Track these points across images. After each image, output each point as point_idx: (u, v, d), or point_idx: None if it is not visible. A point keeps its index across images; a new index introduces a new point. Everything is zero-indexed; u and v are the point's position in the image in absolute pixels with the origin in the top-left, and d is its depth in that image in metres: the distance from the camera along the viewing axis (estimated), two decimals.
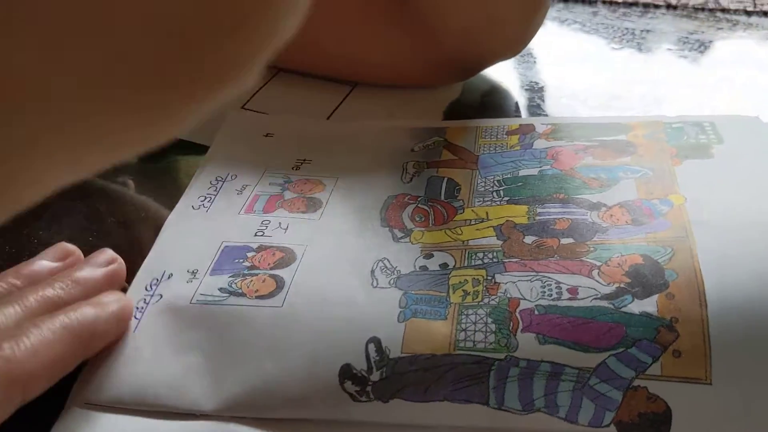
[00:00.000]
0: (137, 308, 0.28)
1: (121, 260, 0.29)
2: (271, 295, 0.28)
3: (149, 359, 0.26)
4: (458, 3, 0.38)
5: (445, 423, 0.24)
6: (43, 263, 0.29)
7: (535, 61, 0.48)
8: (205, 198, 0.33)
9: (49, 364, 0.24)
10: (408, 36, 0.39)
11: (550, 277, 0.27)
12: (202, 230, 0.31)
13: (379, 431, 0.24)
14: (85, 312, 0.25)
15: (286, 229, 0.31)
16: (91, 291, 0.27)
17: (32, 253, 0.30)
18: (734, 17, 0.54)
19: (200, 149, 0.38)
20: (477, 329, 0.25)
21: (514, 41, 0.40)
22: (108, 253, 0.29)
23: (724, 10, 0.55)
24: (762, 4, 0.55)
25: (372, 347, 0.25)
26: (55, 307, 0.25)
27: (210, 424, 0.24)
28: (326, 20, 0.40)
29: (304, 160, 0.36)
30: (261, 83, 0.44)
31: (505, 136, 0.37)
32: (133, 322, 0.27)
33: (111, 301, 0.27)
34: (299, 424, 0.24)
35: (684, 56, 0.49)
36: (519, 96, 0.44)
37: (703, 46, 0.50)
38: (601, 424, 0.24)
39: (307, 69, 0.44)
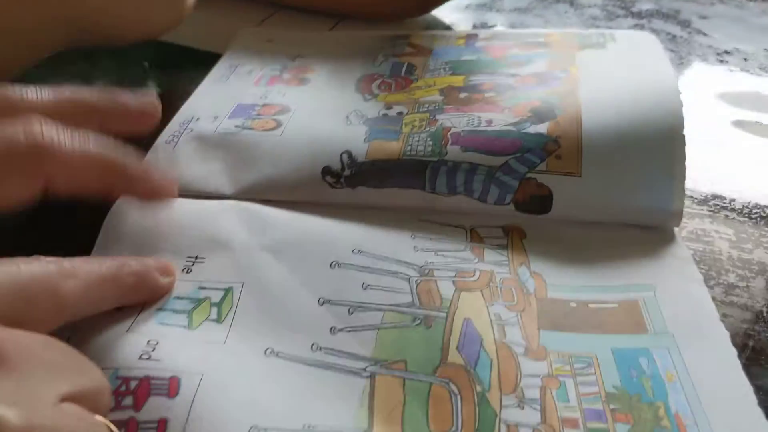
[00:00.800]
0: (173, 135, 0.38)
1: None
2: (272, 129, 0.38)
3: (185, 164, 0.36)
4: None
5: (394, 203, 0.34)
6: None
7: (490, 9, 0.59)
8: (223, 76, 0.44)
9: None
10: None
11: (473, 114, 0.37)
12: (222, 94, 0.42)
13: (348, 211, 0.34)
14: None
15: (284, 95, 0.41)
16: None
17: None
18: None
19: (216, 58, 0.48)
20: (419, 144, 0.36)
21: None
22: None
23: None
24: None
25: (345, 156, 0.35)
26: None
27: (229, 202, 0.35)
28: None
29: (299, 55, 0.46)
30: (263, 17, 0.54)
31: (454, 40, 0.47)
32: (171, 145, 0.37)
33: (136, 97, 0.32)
34: (291, 205, 0.35)
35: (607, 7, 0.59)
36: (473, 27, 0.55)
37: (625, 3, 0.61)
38: (504, 202, 0.34)
39: (299, 4, 0.54)
